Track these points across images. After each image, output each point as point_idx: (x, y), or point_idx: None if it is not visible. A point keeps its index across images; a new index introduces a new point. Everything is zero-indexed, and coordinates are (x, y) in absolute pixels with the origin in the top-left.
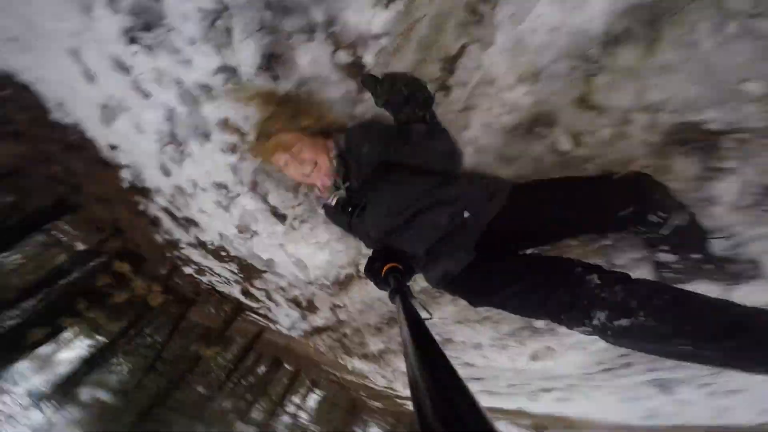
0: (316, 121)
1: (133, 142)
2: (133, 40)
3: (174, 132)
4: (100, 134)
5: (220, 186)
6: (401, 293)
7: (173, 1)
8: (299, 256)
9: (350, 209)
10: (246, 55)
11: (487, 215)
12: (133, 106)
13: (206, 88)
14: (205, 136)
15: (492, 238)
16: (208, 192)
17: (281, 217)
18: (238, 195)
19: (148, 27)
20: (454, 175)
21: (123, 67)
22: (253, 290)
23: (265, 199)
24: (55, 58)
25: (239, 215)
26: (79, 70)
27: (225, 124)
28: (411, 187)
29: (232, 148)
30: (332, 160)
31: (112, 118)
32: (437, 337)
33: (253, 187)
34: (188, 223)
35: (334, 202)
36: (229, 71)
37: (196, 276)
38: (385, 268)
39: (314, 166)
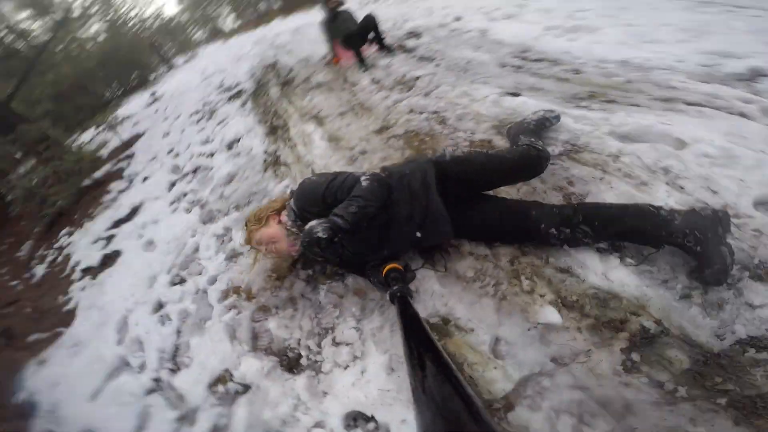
0: (270, 210)
1: None
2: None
3: None
4: None
5: None
6: (400, 294)
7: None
8: None
9: (333, 247)
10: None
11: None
12: None
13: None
14: None
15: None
16: None
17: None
18: None
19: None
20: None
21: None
22: None
23: None
24: None
25: None
26: None
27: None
28: None
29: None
30: (289, 227)
31: None
32: None
33: None
34: None
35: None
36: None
37: None
38: (385, 270)
39: (274, 242)
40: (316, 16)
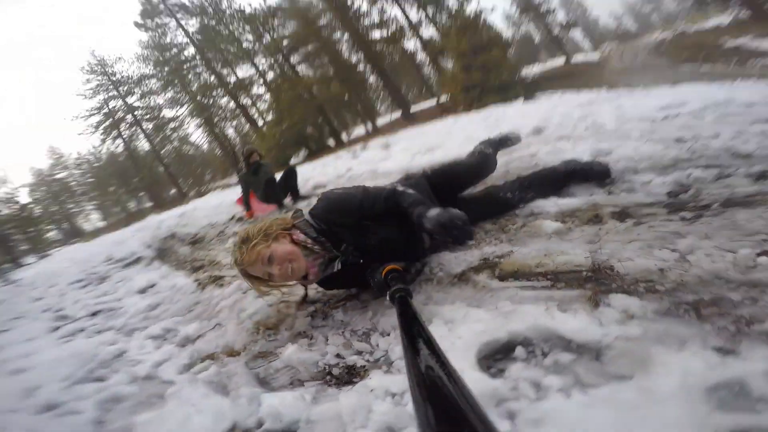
0: (279, 227)
1: None
2: None
3: None
4: None
5: None
6: (400, 295)
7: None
8: None
9: (355, 263)
10: None
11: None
12: None
13: None
14: None
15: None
16: None
17: None
18: None
19: None
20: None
21: None
22: None
23: None
24: None
25: None
26: None
27: None
28: (391, 229)
29: None
30: (310, 245)
31: None
32: None
33: None
34: None
35: (338, 268)
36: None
37: None
38: (384, 270)
39: (291, 260)
40: (195, 205)
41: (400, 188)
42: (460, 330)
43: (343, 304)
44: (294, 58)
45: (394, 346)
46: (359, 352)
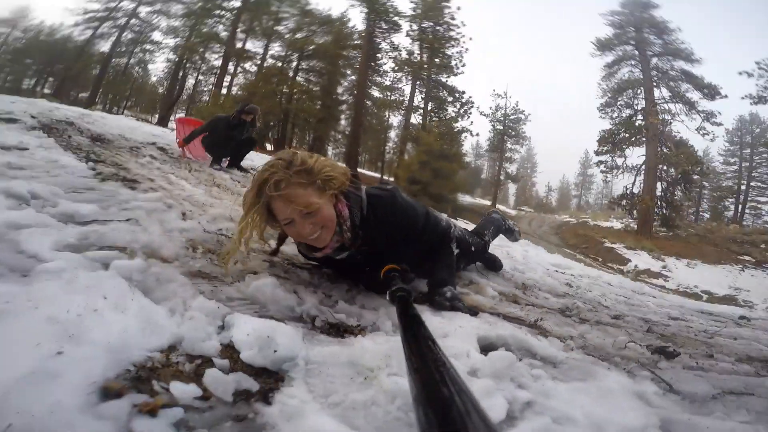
0: (337, 185)
1: None
2: None
3: None
4: None
5: None
6: (401, 294)
7: None
8: None
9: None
10: None
11: None
12: None
13: None
14: None
15: None
16: None
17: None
18: None
19: None
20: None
21: None
22: None
23: None
24: None
25: None
26: None
27: None
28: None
29: None
30: (348, 226)
31: None
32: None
33: None
34: None
35: (342, 257)
36: None
37: None
38: (384, 270)
39: (326, 227)
40: (103, 115)
41: (455, 247)
42: (458, 322)
43: (309, 269)
44: (303, 64)
45: (384, 320)
46: (344, 314)
